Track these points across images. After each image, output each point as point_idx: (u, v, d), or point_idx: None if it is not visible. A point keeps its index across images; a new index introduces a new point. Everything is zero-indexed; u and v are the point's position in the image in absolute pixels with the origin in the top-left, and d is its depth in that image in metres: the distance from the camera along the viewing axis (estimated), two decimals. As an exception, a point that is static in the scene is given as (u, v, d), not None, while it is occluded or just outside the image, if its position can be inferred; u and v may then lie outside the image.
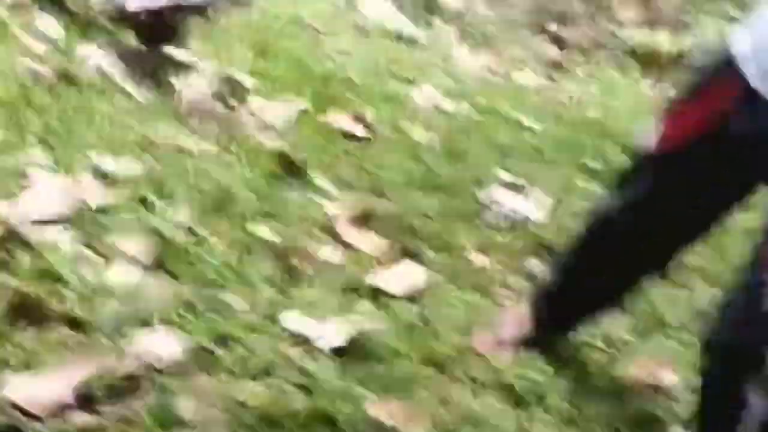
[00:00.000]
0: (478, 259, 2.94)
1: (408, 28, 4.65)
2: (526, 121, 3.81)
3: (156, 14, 3.45)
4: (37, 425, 2.00)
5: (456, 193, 3.23)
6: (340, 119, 3.44)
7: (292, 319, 2.46)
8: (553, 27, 5.24)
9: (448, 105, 3.83)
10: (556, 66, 4.87)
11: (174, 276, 2.52)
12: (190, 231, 2.68)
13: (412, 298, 2.67)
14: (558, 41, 5.14)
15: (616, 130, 3.87)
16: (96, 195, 2.73)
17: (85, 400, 2.09)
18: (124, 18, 3.47)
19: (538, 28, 5.20)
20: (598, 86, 4.58)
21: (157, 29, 3.47)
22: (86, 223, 2.60)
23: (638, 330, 2.79)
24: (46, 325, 2.24)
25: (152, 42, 3.45)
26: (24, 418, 2.01)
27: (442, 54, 4.39)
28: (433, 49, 4.46)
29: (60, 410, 2.04)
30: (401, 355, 2.44)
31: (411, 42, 4.52)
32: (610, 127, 3.92)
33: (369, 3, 4.82)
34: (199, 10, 3.57)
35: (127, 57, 3.35)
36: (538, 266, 2.96)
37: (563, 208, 3.27)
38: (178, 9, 3.48)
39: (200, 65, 3.45)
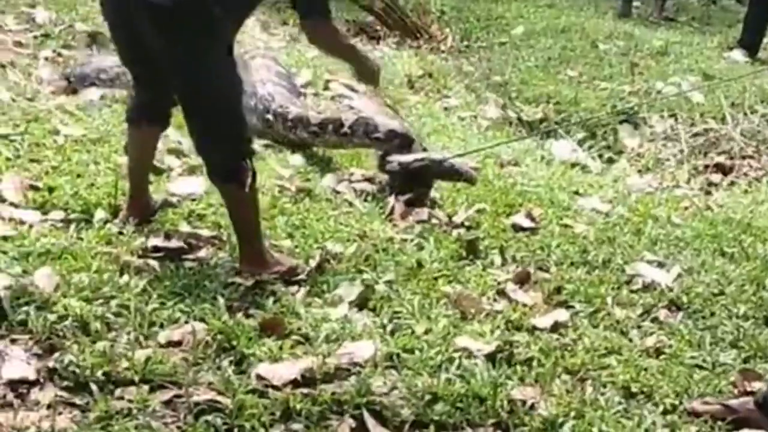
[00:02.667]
0: (616, 311, 3.72)
1: (586, 160, 5.55)
2: (675, 219, 4.59)
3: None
4: (276, 393, 2.95)
5: (605, 268, 4.04)
6: (514, 217, 4.36)
7: (460, 339, 3.34)
8: (720, 159, 5.99)
9: (607, 207, 4.68)
10: (715, 185, 5.60)
11: (376, 313, 3.47)
12: (390, 286, 3.64)
13: (556, 329, 3.49)
14: (722, 169, 5.87)
15: (756, 227, 4.57)
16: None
17: (309, 380, 3.04)
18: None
19: (706, 159, 5.95)
20: (749, 198, 5.28)
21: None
22: (317, 282, 3.62)
23: None
24: (285, 338, 3.23)
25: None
26: (268, 387, 2.97)
27: (612, 177, 5.26)
28: (606, 174, 5.33)
29: (291, 385, 2.99)
30: (541, 363, 3.26)
31: (586, 169, 5.42)
32: (752, 225, 4.63)
33: (556, 144, 5.78)
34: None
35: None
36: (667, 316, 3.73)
37: (694, 278, 4.01)
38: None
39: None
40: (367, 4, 8.21)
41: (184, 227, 3.82)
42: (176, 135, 4.69)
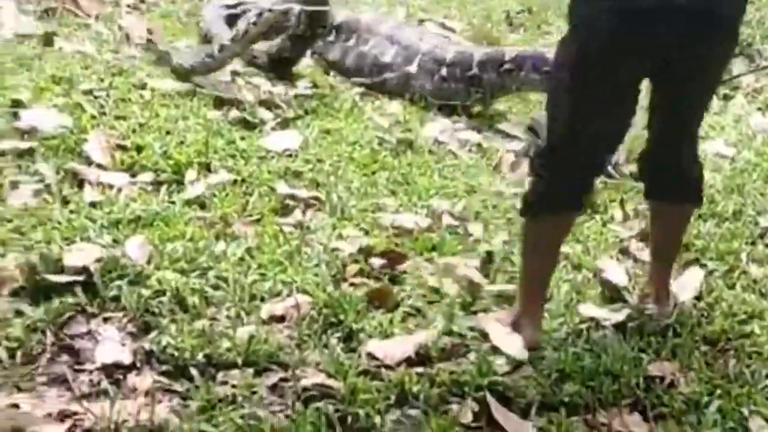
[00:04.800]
0: (752, 269, 3.39)
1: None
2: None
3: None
4: (389, 372, 2.70)
5: (736, 220, 3.69)
6: (632, 165, 4.01)
7: (585, 308, 3.05)
8: None
9: (732, 152, 4.31)
10: None
11: (490, 279, 3.20)
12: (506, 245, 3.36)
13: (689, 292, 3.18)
14: None
15: None
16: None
17: (424, 357, 2.78)
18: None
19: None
20: None
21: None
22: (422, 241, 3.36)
23: None
24: (395, 310, 2.97)
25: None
26: (380, 367, 2.72)
27: (732, 116, 4.86)
28: (725, 113, 4.93)
29: (405, 363, 2.74)
30: (677, 333, 2.96)
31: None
32: None
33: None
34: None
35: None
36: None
37: None
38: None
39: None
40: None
41: (281, 187, 3.57)
42: (265, 83, 4.46)
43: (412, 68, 4.58)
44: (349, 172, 3.79)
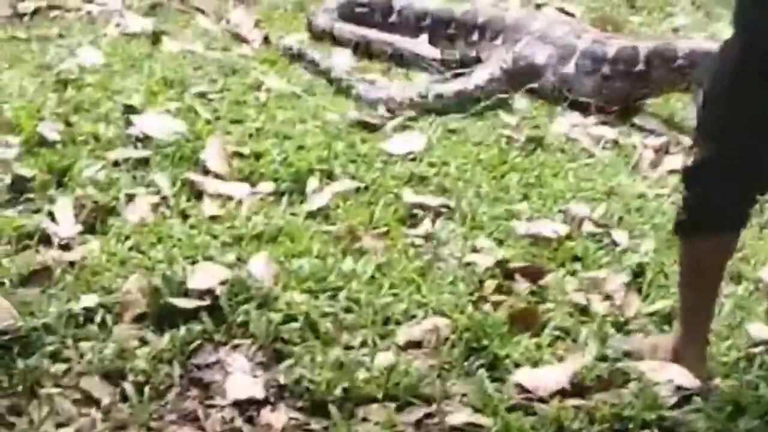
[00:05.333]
0: None
1: None
2: None
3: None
4: (542, 405, 2.47)
5: None
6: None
7: (754, 328, 2.77)
8: None
9: None
10: None
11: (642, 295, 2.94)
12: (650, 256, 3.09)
13: None
14: None
15: None
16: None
17: (579, 388, 2.54)
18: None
19: None
20: None
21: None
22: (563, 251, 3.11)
23: None
24: (540, 332, 2.74)
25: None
26: (532, 400, 2.49)
27: None
28: None
29: (559, 394, 2.51)
30: None
31: None
32: None
33: None
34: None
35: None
36: None
37: None
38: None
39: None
40: None
41: (407, 195, 3.35)
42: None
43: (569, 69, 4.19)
44: (477, 175, 3.55)
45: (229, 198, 3.25)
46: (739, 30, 2.43)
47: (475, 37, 4.48)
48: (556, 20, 4.53)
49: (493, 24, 4.45)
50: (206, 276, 2.78)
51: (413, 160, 3.60)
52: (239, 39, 4.45)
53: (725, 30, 5.26)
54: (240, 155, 3.48)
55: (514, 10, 4.70)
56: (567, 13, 5.23)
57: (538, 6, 5.31)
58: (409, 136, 3.74)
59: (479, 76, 4.10)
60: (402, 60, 4.39)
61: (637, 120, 4.02)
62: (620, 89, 4.11)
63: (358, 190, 3.38)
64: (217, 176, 3.36)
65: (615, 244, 3.20)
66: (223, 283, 2.74)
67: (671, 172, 3.65)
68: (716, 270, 2.61)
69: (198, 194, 3.26)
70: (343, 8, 4.64)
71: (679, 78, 4.07)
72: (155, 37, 4.30)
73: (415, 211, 3.29)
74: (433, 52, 4.36)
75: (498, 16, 4.52)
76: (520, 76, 4.14)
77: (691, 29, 5.22)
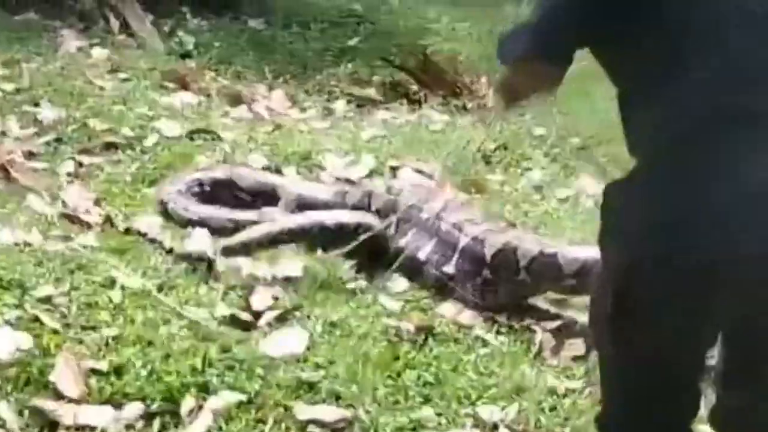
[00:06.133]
0: None
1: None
2: None
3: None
4: None
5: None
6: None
7: None
8: None
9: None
10: None
11: None
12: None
13: None
14: None
15: None
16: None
17: None
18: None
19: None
20: None
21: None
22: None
23: None
24: None
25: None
26: None
27: None
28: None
29: None
30: None
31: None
32: None
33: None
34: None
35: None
36: None
37: None
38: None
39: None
40: (400, 60, 7.35)
41: (300, 409, 2.93)
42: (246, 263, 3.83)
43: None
44: (369, 375, 3.17)
45: (90, 428, 2.75)
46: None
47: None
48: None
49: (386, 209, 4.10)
50: None
51: (297, 361, 3.19)
52: (79, 223, 3.96)
53: (588, 184, 5.21)
54: (97, 372, 2.98)
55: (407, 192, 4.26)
56: (424, 174, 5.01)
57: (394, 168, 5.06)
58: (290, 333, 3.34)
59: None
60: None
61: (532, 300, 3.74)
62: (503, 294, 3.71)
63: (240, 404, 2.94)
64: (72, 401, 2.85)
65: (537, 454, 2.87)
66: None
67: (576, 358, 3.38)
68: None
69: (52, 425, 2.76)
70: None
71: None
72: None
73: (311, 428, 2.87)
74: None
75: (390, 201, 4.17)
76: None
77: (554, 185, 5.08)
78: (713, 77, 1.99)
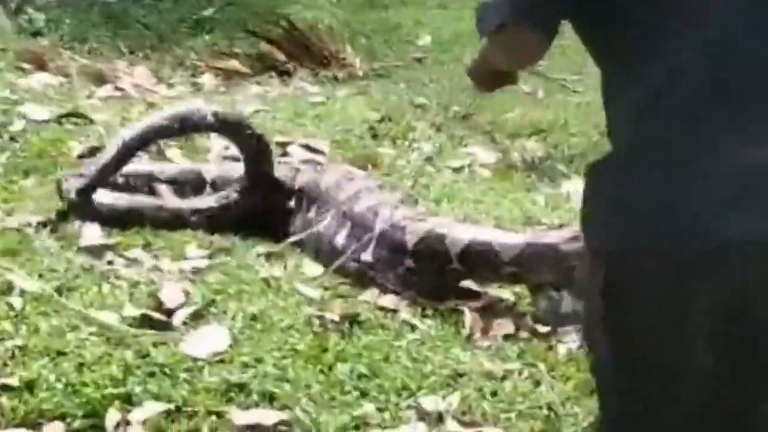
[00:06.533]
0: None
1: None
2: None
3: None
4: None
5: None
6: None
7: None
8: None
9: None
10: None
11: None
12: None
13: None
14: None
15: None
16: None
17: None
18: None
19: None
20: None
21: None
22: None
23: None
24: None
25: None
26: None
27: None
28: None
29: None
30: None
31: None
32: None
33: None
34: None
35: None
36: None
37: None
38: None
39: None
40: (262, 31, 7.09)
41: (235, 414, 2.72)
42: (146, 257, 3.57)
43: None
44: (300, 371, 2.99)
45: (8, 457, 2.49)
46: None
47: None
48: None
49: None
50: None
51: (222, 362, 2.98)
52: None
53: (478, 152, 5.12)
54: (7, 388, 2.71)
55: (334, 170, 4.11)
56: (315, 150, 4.82)
57: (282, 144, 4.85)
58: (208, 332, 3.11)
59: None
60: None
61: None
62: (429, 282, 3.49)
63: (169, 413, 2.72)
64: (-16, 425, 2.58)
65: (492, 444, 2.76)
66: None
67: (507, 337, 3.28)
68: None
69: (-37, 455, 2.48)
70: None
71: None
72: None
73: (250, 436, 2.68)
74: None
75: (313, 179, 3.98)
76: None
77: (445, 156, 4.96)
78: (698, 56, 1.89)
